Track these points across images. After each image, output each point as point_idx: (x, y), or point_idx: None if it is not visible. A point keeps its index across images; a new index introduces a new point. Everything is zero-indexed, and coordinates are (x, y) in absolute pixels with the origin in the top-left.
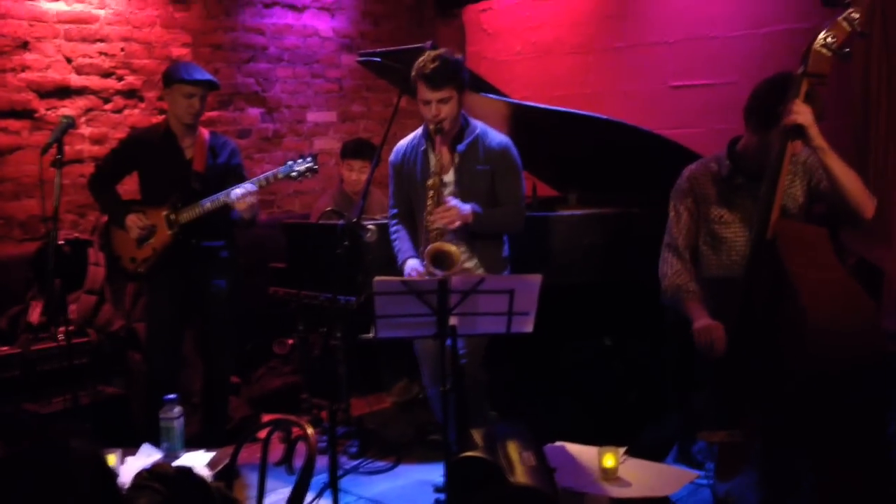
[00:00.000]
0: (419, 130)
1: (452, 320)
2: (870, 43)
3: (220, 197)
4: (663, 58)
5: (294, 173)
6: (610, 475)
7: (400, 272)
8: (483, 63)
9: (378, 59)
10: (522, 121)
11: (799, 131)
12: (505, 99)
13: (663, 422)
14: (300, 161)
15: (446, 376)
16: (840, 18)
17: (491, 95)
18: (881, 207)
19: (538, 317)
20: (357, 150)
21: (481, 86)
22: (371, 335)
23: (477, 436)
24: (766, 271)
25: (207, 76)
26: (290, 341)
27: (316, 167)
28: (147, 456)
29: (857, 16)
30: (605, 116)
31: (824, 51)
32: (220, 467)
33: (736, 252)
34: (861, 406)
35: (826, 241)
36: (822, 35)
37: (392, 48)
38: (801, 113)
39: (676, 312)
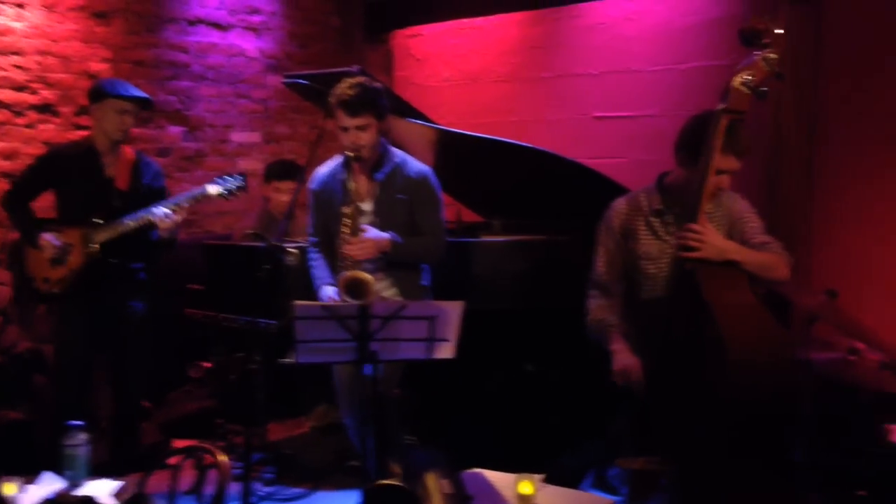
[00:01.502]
0: (338, 158)
1: (373, 345)
2: (783, 84)
3: (143, 215)
4: (587, 89)
5: (225, 191)
6: (526, 502)
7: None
8: (411, 88)
9: (304, 82)
10: (449, 147)
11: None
12: (432, 125)
13: (581, 448)
14: (230, 179)
15: (365, 402)
16: (758, 58)
17: (417, 121)
18: (789, 243)
19: (460, 342)
20: (286, 171)
21: (408, 111)
22: (291, 360)
23: (395, 463)
24: (686, 303)
25: (143, 94)
26: (207, 365)
27: (244, 185)
28: (49, 485)
29: (774, 56)
30: (530, 145)
31: (743, 88)
32: (126, 497)
33: (660, 287)
34: (773, 435)
35: (741, 273)
36: (741, 73)
37: (319, 71)
38: (707, 245)
39: (596, 345)
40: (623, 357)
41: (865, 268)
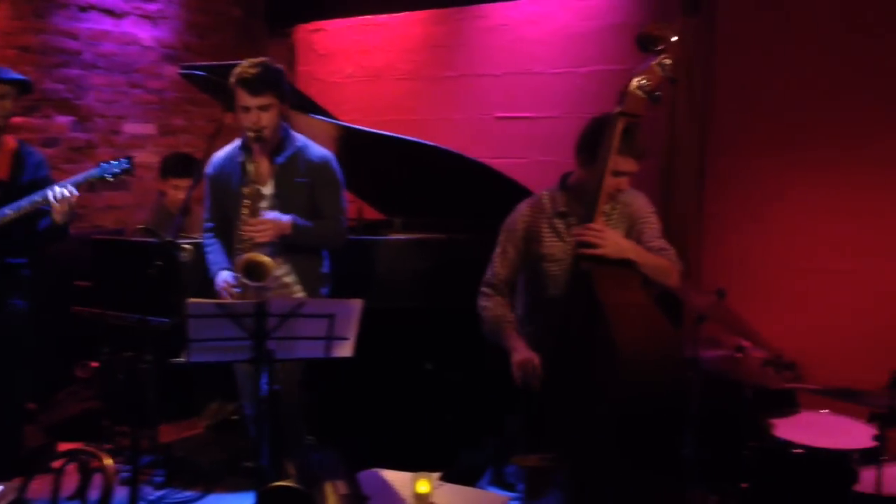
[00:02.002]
0: (237, 141)
1: (270, 344)
2: (676, 88)
3: (25, 204)
4: (490, 89)
5: (109, 175)
6: (423, 501)
7: (215, 290)
8: (314, 84)
9: (202, 73)
10: (351, 144)
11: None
12: (334, 121)
13: (479, 446)
14: (115, 163)
15: (260, 402)
16: (654, 63)
17: (320, 117)
18: (682, 243)
19: (359, 340)
20: (184, 167)
21: (311, 107)
22: (183, 359)
23: (290, 464)
24: (581, 302)
25: (20, 76)
26: (94, 364)
27: (130, 168)
28: None
29: (669, 62)
30: (432, 143)
31: (639, 92)
32: (6, 502)
33: (558, 288)
34: (662, 431)
35: (636, 274)
36: (636, 77)
37: (217, 62)
38: (607, 243)
39: (491, 342)
40: (521, 351)
41: (751, 268)
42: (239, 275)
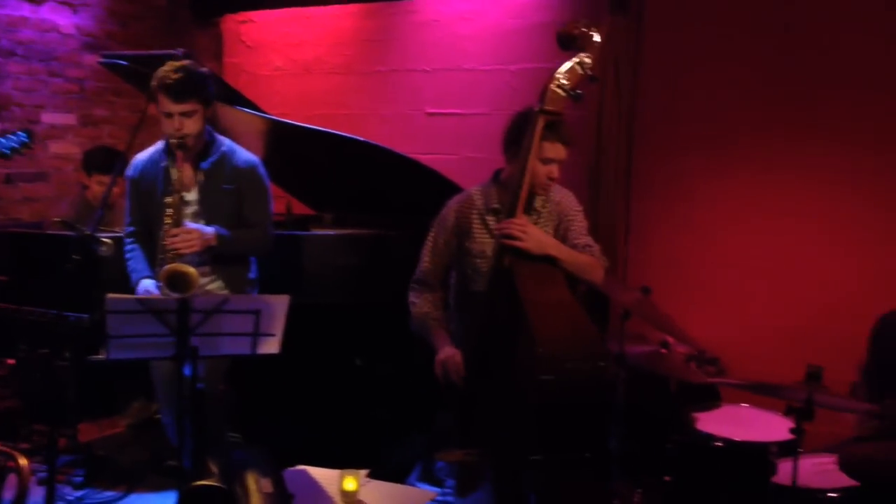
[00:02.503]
0: (159, 144)
1: (193, 341)
2: (604, 88)
3: None
4: (421, 85)
5: (7, 151)
6: (350, 498)
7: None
8: (241, 76)
9: (123, 63)
10: (280, 138)
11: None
12: (262, 114)
13: (408, 442)
14: (12, 137)
15: (181, 400)
16: (573, 61)
17: (247, 110)
18: (609, 241)
19: (288, 336)
20: (109, 163)
21: (238, 99)
22: (102, 356)
23: (213, 463)
24: (503, 298)
25: None
26: (10, 361)
27: (29, 142)
28: None
29: (588, 60)
30: (362, 138)
31: (559, 91)
32: None
33: (486, 284)
34: (585, 425)
35: (558, 270)
36: (557, 75)
37: (140, 52)
38: (529, 237)
39: (419, 338)
40: (444, 349)
41: (676, 266)
42: (162, 285)
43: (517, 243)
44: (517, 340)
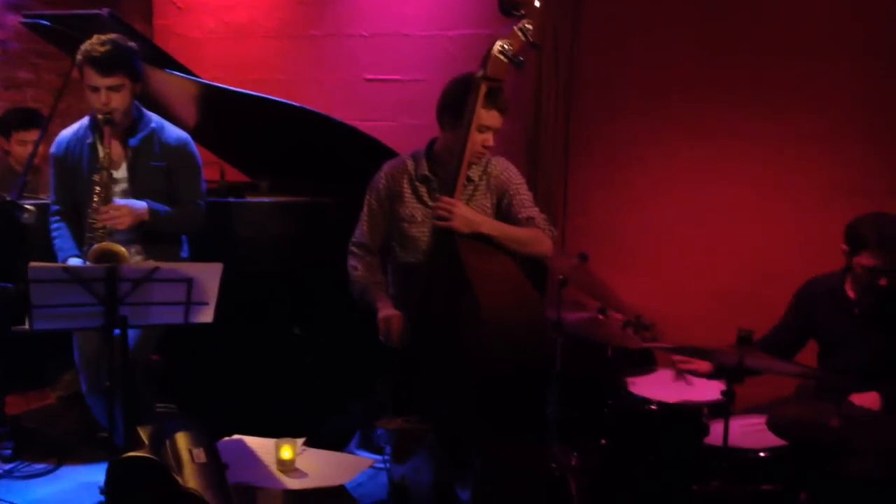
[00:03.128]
0: (85, 120)
1: (123, 310)
2: (542, 56)
3: None
4: (358, 50)
5: None
6: (287, 467)
7: None
8: (172, 39)
9: (46, 23)
10: (212, 103)
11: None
12: (194, 79)
13: (348, 411)
14: None
15: (112, 370)
16: (515, 28)
17: (178, 73)
18: (548, 209)
19: (223, 306)
20: (28, 119)
21: (168, 63)
22: (26, 327)
23: (144, 433)
24: (445, 266)
25: None
26: None
27: None
28: None
29: (530, 27)
30: (298, 104)
31: (501, 57)
32: None
33: (422, 251)
34: (526, 391)
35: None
36: (499, 42)
37: (64, 12)
38: (456, 217)
39: (360, 303)
40: (385, 309)
41: (612, 233)
42: (91, 265)
43: (445, 224)
44: (458, 307)
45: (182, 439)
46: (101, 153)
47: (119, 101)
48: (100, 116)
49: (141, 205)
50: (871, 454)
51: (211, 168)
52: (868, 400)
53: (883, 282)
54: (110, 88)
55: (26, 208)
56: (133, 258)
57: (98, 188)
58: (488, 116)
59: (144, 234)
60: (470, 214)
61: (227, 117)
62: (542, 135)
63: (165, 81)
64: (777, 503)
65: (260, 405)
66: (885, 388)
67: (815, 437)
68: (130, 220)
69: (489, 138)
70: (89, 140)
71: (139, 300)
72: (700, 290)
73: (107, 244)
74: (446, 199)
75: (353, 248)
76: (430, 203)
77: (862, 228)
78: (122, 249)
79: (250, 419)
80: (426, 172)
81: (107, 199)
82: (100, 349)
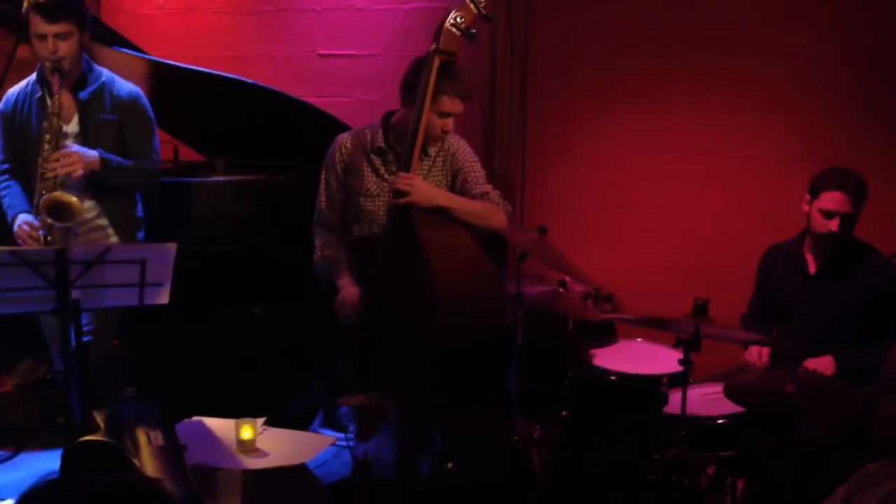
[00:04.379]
0: (33, 76)
1: (75, 293)
2: (496, 28)
3: None
4: (312, 25)
5: None
6: (247, 447)
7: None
8: (120, 16)
9: None
10: (164, 81)
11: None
12: (144, 56)
13: (310, 389)
14: None
15: (67, 355)
16: (467, 0)
17: (127, 51)
18: (505, 182)
19: (181, 287)
20: None
21: (117, 40)
22: None
23: (100, 417)
24: (402, 241)
25: None
26: None
27: None
28: None
29: None
30: (251, 81)
31: (454, 30)
32: None
33: (378, 225)
34: (486, 365)
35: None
36: (452, 14)
37: None
38: (416, 191)
39: (325, 281)
40: (345, 288)
41: (571, 206)
42: (43, 216)
43: (405, 199)
44: (416, 282)
45: (139, 422)
46: (49, 104)
47: (67, 48)
48: (48, 65)
49: (92, 153)
50: (826, 417)
51: (165, 147)
52: (822, 364)
53: (833, 225)
54: (57, 36)
55: None
56: (87, 212)
57: (48, 136)
58: (450, 103)
59: (98, 186)
60: (429, 188)
61: (179, 95)
62: (498, 107)
63: (114, 59)
64: (735, 468)
65: (221, 386)
66: (838, 352)
67: (771, 403)
68: (81, 166)
69: (449, 123)
70: (38, 94)
71: (91, 283)
72: (659, 261)
73: (58, 194)
74: (404, 174)
75: (315, 227)
76: (387, 176)
77: (823, 174)
78: (74, 199)
79: (212, 401)
80: (382, 145)
81: (57, 147)
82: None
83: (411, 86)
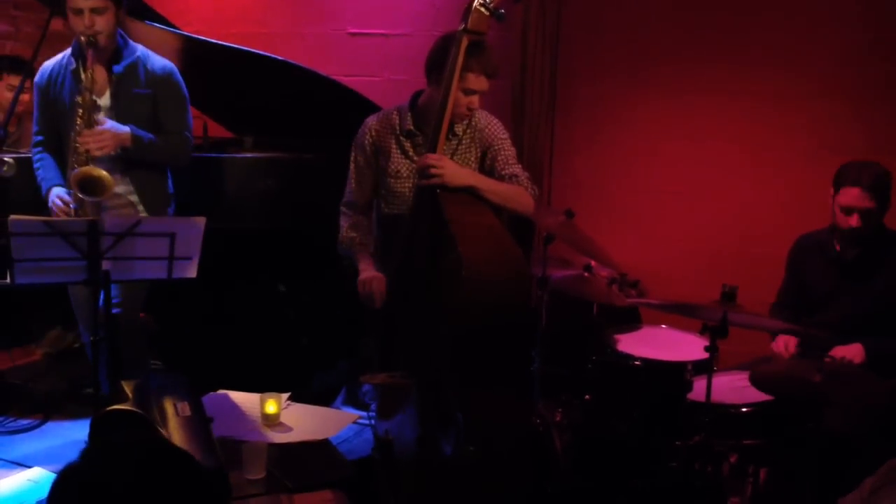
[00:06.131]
0: (68, 49)
1: (105, 265)
2: (528, 11)
3: None
4: (342, 3)
5: None
6: (272, 421)
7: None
8: None
9: None
10: (195, 57)
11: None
12: (176, 31)
13: (333, 368)
14: None
15: (97, 326)
16: None
17: (160, 25)
18: (533, 165)
19: (208, 262)
20: (14, 63)
21: (149, 14)
22: (7, 281)
23: (128, 387)
24: (428, 221)
25: None
26: None
27: None
28: None
29: None
30: (282, 58)
31: (482, 9)
32: None
33: (406, 205)
34: (509, 347)
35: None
36: None
37: None
38: (445, 172)
39: (349, 260)
40: (366, 271)
41: (599, 190)
42: (74, 190)
43: (434, 180)
44: (442, 261)
45: (167, 393)
46: (83, 78)
47: (103, 23)
48: (83, 39)
49: (124, 129)
50: (852, 409)
51: (195, 123)
52: (851, 351)
53: (853, 221)
54: (94, 10)
55: (5, 161)
56: (117, 188)
57: (80, 110)
58: (475, 80)
59: (129, 162)
60: (457, 168)
61: (209, 71)
62: (529, 90)
63: (146, 34)
64: (758, 457)
65: (245, 362)
66: (868, 339)
67: (798, 392)
68: (113, 143)
69: (474, 101)
70: (72, 67)
71: (122, 255)
72: (686, 248)
73: (88, 168)
74: (432, 154)
75: (343, 207)
76: (414, 157)
77: (842, 169)
78: (105, 174)
79: (236, 376)
80: (411, 127)
81: (89, 121)
82: (87, 298)
83: (438, 65)
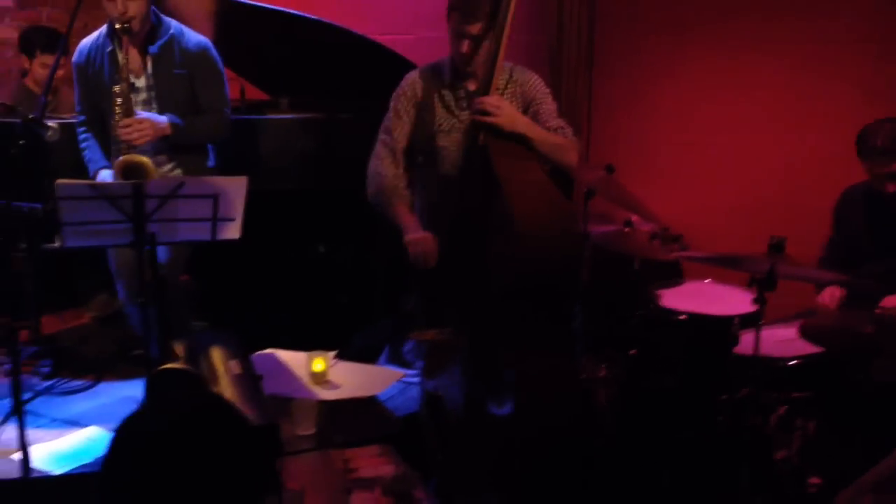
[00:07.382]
0: (104, 28)
1: (151, 227)
2: None
3: None
4: None
5: None
6: (319, 379)
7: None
8: None
9: None
10: (230, 18)
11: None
12: None
13: (375, 325)
14: None
15: (146, 287)
16: None
17: None
18: (572, 119)
19: (248, 224)
20: (52, 42)
21: None
22: (57, 244)
23: (179, 347)
24: (477, 177)
25: None
26: None
27: None
28: None
29: None
30: (316, 17)
31: None
32: None
33: (450, 163)
34: (555, 303)
35: (531, 151)
36: None
37: None
38: (503, 113)
39: (386, 217)
40: (414, 230)
41: (639, 144)
42: (118, 177)
43: (490, 119)
44: (491, 218)
45: (216, 352)
46: (120, 62)
47: (136, 8)
48: (117, 26)
49: (162, 119)
50: None
51: (231, 85)
52: None
53: (891, 187)
54: None
55: (49, 126)
56: (160, 169)
57: (119, 99)
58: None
59: (171, 144)
60: (515, 113)
61: (246, 33)
62: (566, 45)
63: None
64: (807, 410)
65: (287, 323)
66: None
67: (849, 343)
68: (152, 134)
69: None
70: (108, 49)
71: (166, 217)
72: (729, 201)
73: (130, 156)
74: (491, 97)
75: (381, 149)
76: (457, 112)
77: (861, 135)
78: (147, 160)
79: (277, 337)
80: (451, 79)
81: (128, 109)
82: (132, 263)
83: (492, 13)
